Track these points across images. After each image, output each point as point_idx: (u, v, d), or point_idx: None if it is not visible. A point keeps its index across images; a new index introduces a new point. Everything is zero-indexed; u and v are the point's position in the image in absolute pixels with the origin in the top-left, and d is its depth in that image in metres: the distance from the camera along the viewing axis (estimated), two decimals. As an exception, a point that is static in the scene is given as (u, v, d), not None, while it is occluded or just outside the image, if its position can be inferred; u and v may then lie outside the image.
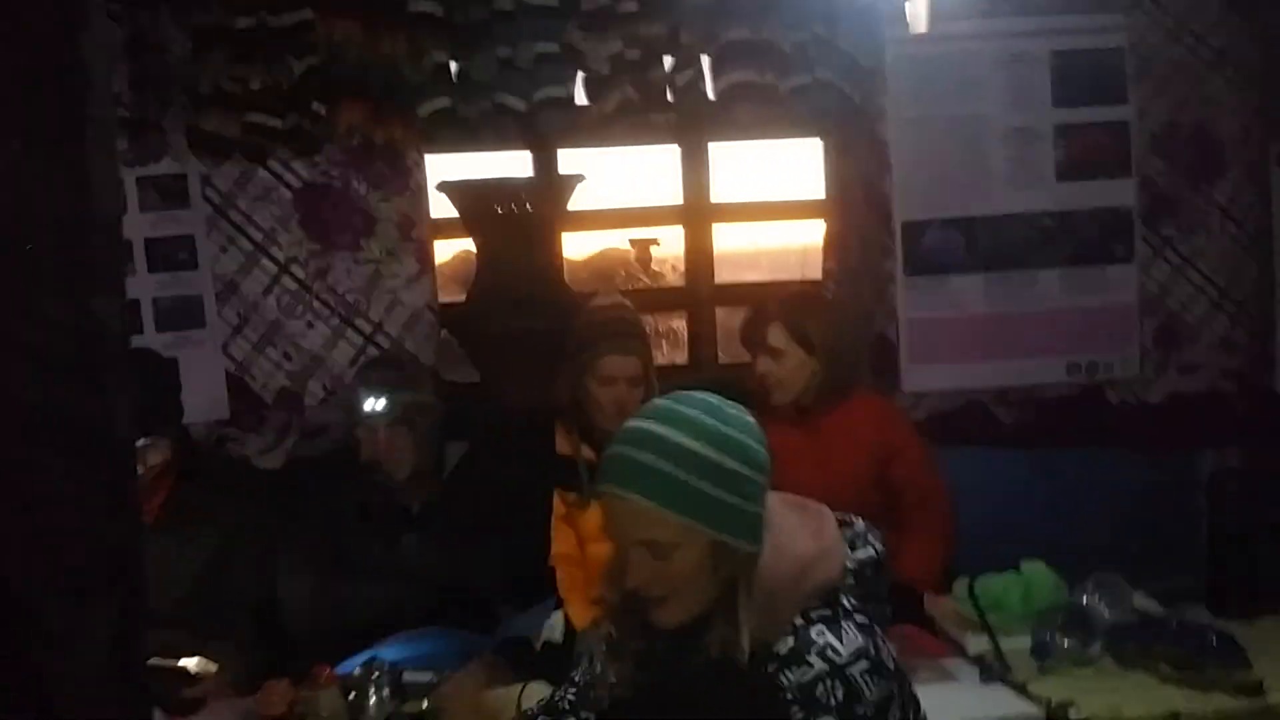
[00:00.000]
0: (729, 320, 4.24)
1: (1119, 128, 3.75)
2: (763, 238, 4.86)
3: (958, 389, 3.81)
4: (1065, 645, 2.47)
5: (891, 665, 1.64)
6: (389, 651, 2.75)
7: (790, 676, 1.60)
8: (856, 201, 3.83)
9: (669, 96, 3.53)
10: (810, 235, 4.31)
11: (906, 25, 3.34)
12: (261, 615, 3.10)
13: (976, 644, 2.60)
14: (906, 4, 2.89)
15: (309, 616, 3.05)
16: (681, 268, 4.24)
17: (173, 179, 3.41)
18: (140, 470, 2.89)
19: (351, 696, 2.43)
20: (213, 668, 2.80)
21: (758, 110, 3.55)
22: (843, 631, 1.63)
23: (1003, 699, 2.43)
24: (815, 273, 4.05)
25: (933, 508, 3.26)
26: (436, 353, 3.65)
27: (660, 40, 3.49)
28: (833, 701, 1.58)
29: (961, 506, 3.40)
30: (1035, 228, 3.77)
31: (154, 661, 2.65)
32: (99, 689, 1.49)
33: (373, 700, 2.44)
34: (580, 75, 3.49)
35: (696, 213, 4.04)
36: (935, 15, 3.43)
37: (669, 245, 4.88)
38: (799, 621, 1.63)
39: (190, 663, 2.75)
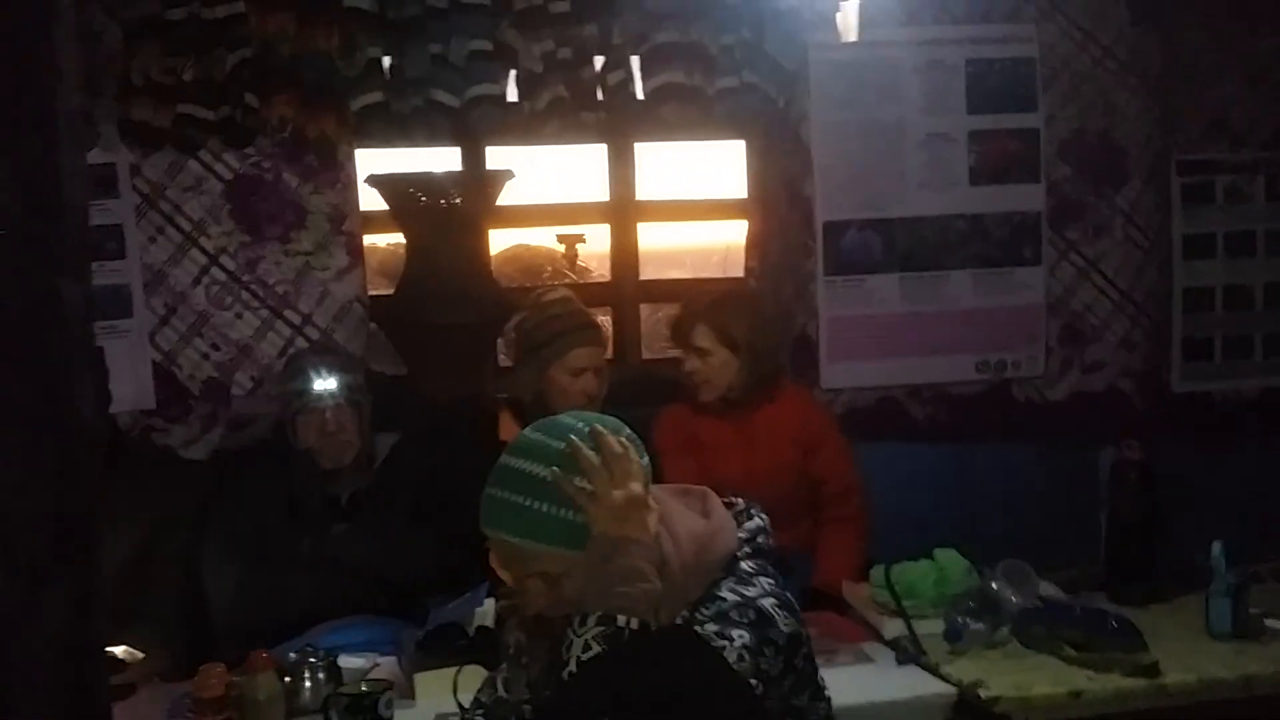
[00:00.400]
0: (653, 316, 4.34)
1: (1029, 134, 3.90)
2: (686, 236, 4.95)
3: (873, 385, 3.94)
4: (975, 629, 2.59)
5: (798, 613, 1.72)
6: (321, 640, 2.78)
7: (705, 613, 1.66)
8: (779, 202, 3.94)
9: (599, 95, 3.60)
10: (733, 234, 4.40)
11: (831, 31, 3.45)
12: (188, 605, 3.11)
13: (892, 628, 2.70)
14: (837, 14, 2.98)
15: (237, 607, 3.04)
16: (606, 264, 4.31)
17: (102, 168, 3.37)
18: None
19: (287, 680, 2.46)
20: (140, 655, 2.83)
21: (685, 110, 3.64)
22: (749, 581, 1.72)
23: (917, 680, 2.53)
24: (738, 270, 4.16)
25: (851, 498, 3.41)
26: (365, 345, 3.67)
27: (592, 40, 3.56)
28: (746, 620, 1.65)
29: (876, 498, 3.54)
30: (949, 230, 3.91)
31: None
32: (55, 672, 1.51)
33: (308, 684, 2.48)
34: (513, 73, 3.54)
35: (622, 210, 4.12)
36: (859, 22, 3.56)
37: (595, 242, 4.95)
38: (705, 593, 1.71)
39: (118, 650, 2.76)
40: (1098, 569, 3.10)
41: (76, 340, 1.49)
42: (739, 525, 1.80)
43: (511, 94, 3.57)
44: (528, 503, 1.67)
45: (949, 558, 2.82)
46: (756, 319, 3.46)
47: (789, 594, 1.75)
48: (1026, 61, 3.89)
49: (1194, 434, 3.92)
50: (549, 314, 3.25)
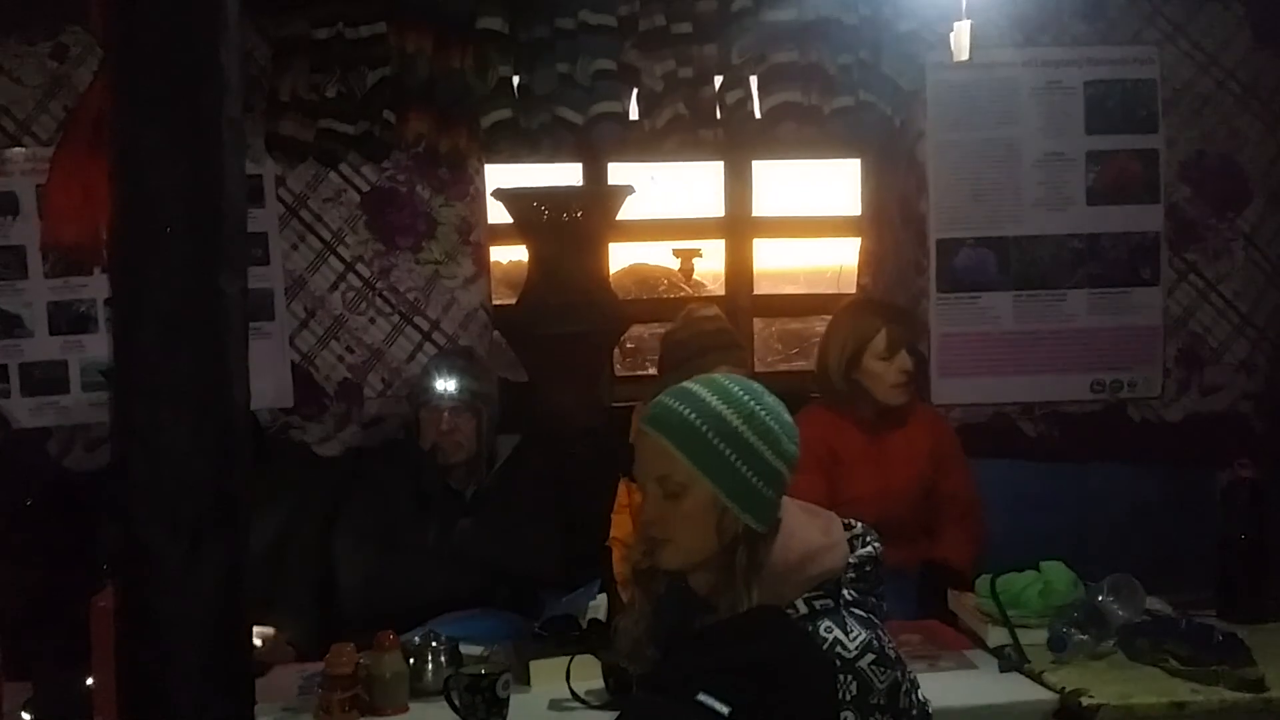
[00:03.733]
0: (766, 330, 4.42)
1: (1149, 155, 3.90)
2: (800, 253, 5.03)
3: (985, 402, 3.96)
4: (1080, 640, 2.61)
5: (892, 654, 1.78)
6: (442, 629, 2.91)
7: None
8: (893, 219, 3.99)
9: (718, 114, 3.70)
10: (846, 252, 4.47)
11: (948, 52, 3.50)
12: (320, 593, 3.28)
13: (996, 636, 2.73)
14: (950, 33, 3.04)
15: (366, 596, 3.20)
16: (721, 280, 4.40)
17: (249, 179, 3.58)
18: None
19: (411, 661, 2.60)
20: (273, 633, 3.00)
21: (802, 129, 3.72)
22: (848, 625, 1.76)
23: (1020, 686, 2.56)
24: (851, 287, 4.22)
25: (971, 521, 3.44)
26: (488, 352, 3.82)
27: (712, 60, 3.66)
28: (848, 696, 1.71)
29: (988, 514, 3.57)
30: (1065, 249, 3.92)
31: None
32: (210, 625, 1.66)
33: (430, 665, 2.62)
34: (635, 91, 3.67)
35: (738, 226, 4.22)
36: (976, 43, 3.61)
37: (710, 258, 5.05)
38: (804, 609, 1.77)
39: (255, 630, 2.92)
40: (1209, 591, 3.08)
41: (234, 330, 1.64)
42: (851, 550, 1.86)
43: (633, 112, 3.69)
44: (732, 456, 1.75)
45: (1055, 570, 2.84)
46: None
47: (884, 631, 1.81)
48: (1147, 83, 3.89)
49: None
50: (702, 329, 3.36)
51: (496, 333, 3.89)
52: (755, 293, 4.31)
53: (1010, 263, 3.93)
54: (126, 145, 1.60)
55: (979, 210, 3.91)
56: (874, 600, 1.86)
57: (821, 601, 1.78)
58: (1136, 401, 3.96)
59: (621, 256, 5.00)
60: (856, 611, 1.80)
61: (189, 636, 1.65)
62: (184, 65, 1.61)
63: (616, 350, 4.23)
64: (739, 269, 4.27)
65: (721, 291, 4.39)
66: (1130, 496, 3.90)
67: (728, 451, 1.75)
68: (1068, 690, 2.47)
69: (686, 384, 1.83)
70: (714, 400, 1.77)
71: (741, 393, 1.79)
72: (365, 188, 3.66)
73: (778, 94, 3.68)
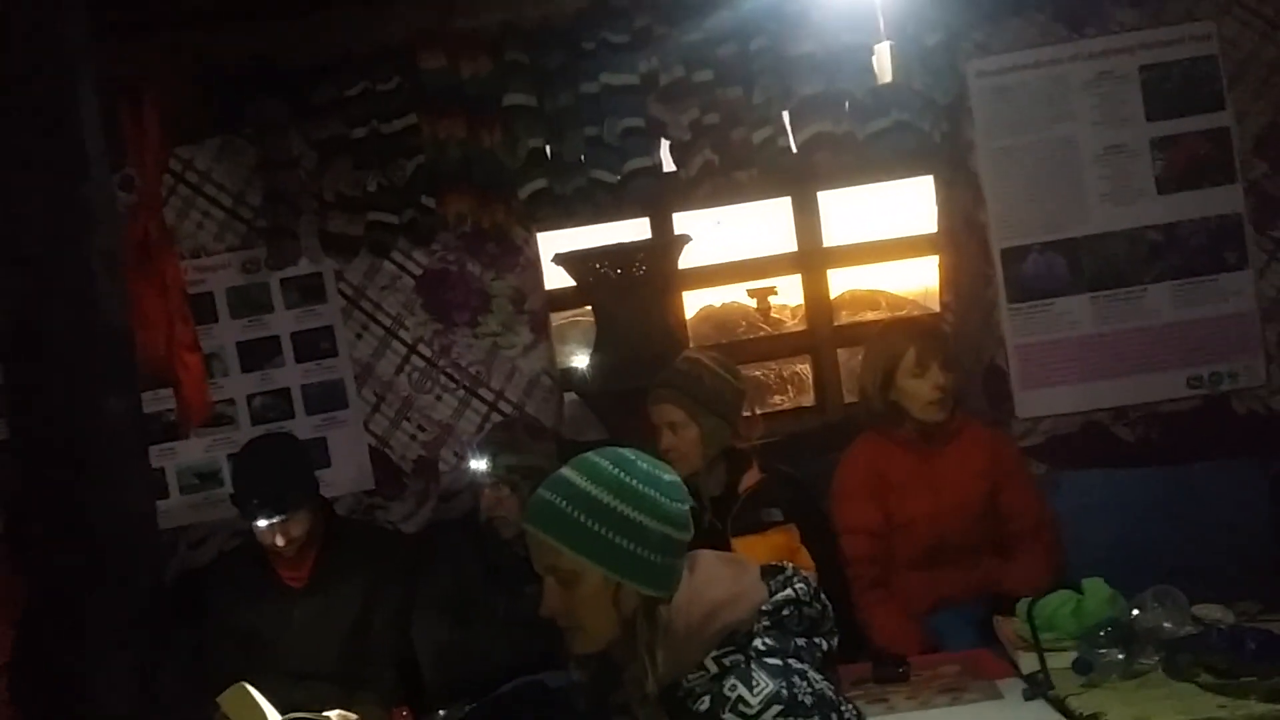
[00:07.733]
0: (851, 360, 4.35)
1: (1219, 134, 3.71)
2: (884, 276, 4.93)
3: (1074, 411, 3.80)
4: (1109, 660, 2.48)
5: (810, 700, 1.73)
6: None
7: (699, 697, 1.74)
8: (957, 233, 3.90)
9: (750, 154, 3.70)
10: (928, 271, 4.37)
11: (987, 59, 3.41)
12: (400, 667, 3.40)
13: (1029, 663, 2.62)
14: (872, 58, 2.97)
15: (442, 666, 3.30)
16: (801, 314, 4.38)
17: (310, 278, 3.80)
18: (282, 542, 3.26)
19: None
20: (352, 717, 3.12)
21: (837, 158, 3.68)
22: (753, 679, 1.73)
23: (1040, 715, 2.45)
24: (934, 306, 4.13)
25: (1040, 535, 3.31)
26: (562, 414, 3.90)
27: (737, 102, 3.67)
28: None
29: (1086, 529, 3.42)
30: (1140, 243, 3.76)
31: (301, 716, 3.00)
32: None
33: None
34: (664, 143, 3.71)
35: (811, 259, 4.18)
36: (1019, 42, 3.53)
37: (788, 293, 5.01)
38: (713, 669, 1.76)
39: (332, 714, 3.05)
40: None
41: (126, 448, 1.77)
42: (769, 594, 1.83)
43: (667, 163, 3.73)
44: (608, 533, 1.76)
45: (1092, 587, 2.71)
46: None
47: (800, 676, 1.76)
48: (1207, 60, 3.70)
49: None
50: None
51: (573, 394, 3.97)
52: (836, 324, 4.26)
53: (1082, 264, 3.78)
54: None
55: (1042, 214, 3.79)
56: (801, 644, 1.83)
57: (731, 658, 1.77)
58: (1240, 393, 3.73)
59: (697, 299, 5.01)
60: (770, 661, 1.77)
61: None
62: (55, 203, 1.75)
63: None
64: (817, 302, 4.23)
65: (803, 326, 4.36)
66: (1242, 496, 3.63)
67: (603, 530, 1.76)
68: (1084, 715, 2.35)
69: (561, 470, 1.84)
70: (582, 481, 1.79)
71: (610, 466, 1.80)
72: (418, 271, 3.81)
73: (809, 126, 3.66)
